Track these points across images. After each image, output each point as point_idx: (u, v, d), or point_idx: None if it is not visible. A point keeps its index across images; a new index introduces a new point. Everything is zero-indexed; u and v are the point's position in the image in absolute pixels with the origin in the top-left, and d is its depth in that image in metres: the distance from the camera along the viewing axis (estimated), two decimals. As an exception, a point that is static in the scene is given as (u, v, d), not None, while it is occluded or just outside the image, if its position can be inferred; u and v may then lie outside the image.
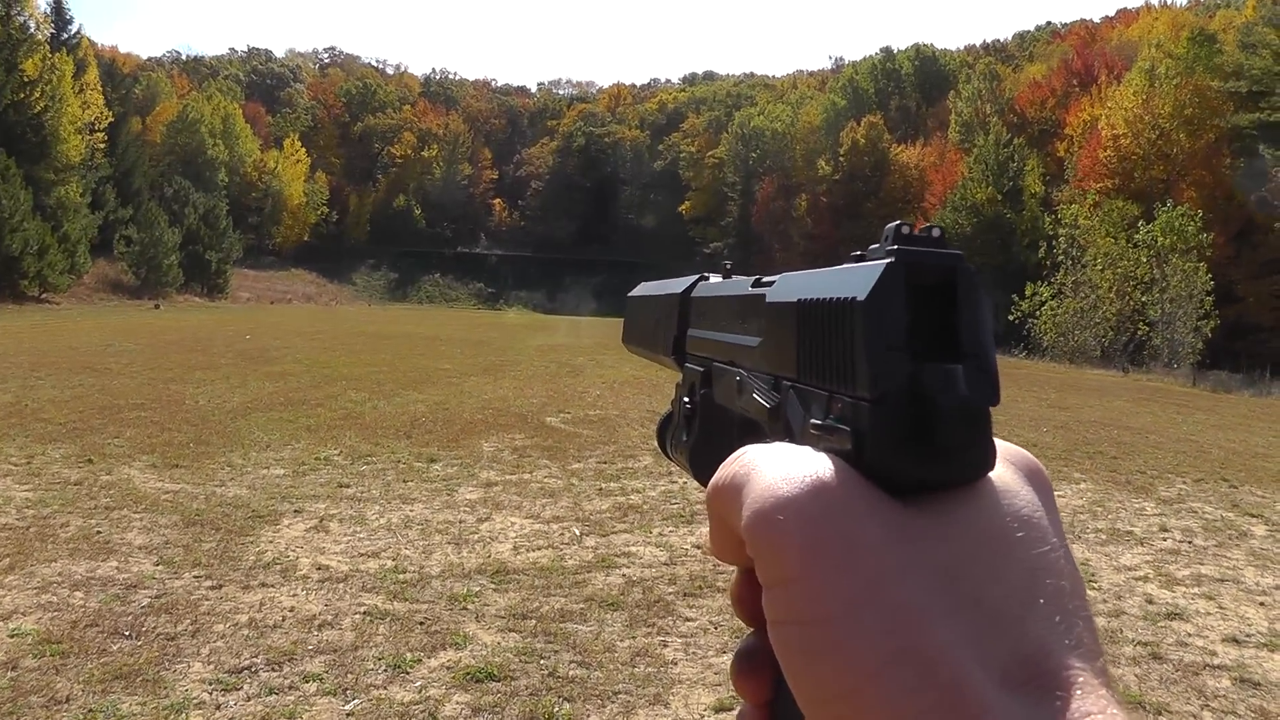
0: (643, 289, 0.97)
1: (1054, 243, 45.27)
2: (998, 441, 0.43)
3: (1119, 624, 6.45)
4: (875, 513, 0.40)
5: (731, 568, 0.50)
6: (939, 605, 0.39)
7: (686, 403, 0.75)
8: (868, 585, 0.38)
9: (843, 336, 0.43)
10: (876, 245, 0.46)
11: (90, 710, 4.48)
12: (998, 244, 55.75)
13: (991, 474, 0.43)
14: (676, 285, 0.82)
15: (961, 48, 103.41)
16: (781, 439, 0.49)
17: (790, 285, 0.52)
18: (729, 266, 0.78)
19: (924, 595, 0.39)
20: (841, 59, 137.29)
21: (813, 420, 0.46)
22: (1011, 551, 0.41)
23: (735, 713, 0.50)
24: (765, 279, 0.60)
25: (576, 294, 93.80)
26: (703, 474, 0.69)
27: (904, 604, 0.38)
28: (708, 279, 0.78)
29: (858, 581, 0.39)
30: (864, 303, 0.42)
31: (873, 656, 0.37)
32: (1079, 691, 0.38)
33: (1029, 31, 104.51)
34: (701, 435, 0.72)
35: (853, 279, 0.44)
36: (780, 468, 0.43)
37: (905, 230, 0.45)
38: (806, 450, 0.44)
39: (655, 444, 0.84)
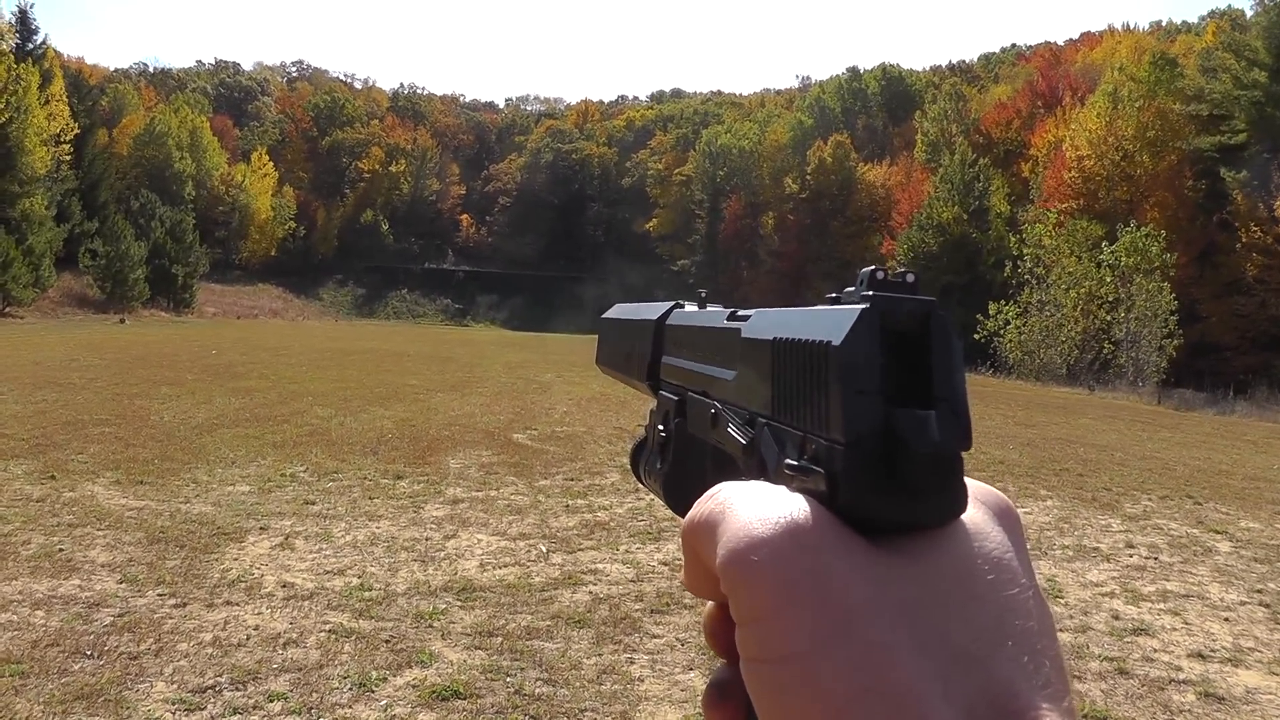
0: (617, 311, 0.97)
1: (1019, 262, 45.73)
2: (968, 480, 0.44)
3: (1085, 640, 6.49)
4: (847, 553, 0.41)
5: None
6: (908, 644, 0.39)
7: (661, 430, 0.75)
8: (838, 623, 0.39)
9: (817, 379, 0.44)
10: (852, 289, 0.46)
11: (50, 730, 4.43)
12: (963, 263, 56.20)
13: (963, 515, 0.43)
14: (651, 311, 0.82)
15: (928, 68, 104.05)
16: (755, 475, 0.49)
17: (766, 322, 0.53)
18: (704, 295, 0.78)
19: (893, 634, 0.39)
20: (809, 78, 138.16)
21: (787, 460, 0.46)
22: (981, 592, 0.42)
23: None
24: (741, 312, 0.61)
25: (544, 310, 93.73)
26: (676, 503, 0.69)
27: (873, 642, 0.39)
28: (683, 307, 0.78)
29: (828, 619, 0.39)
30: (839, 347, 0.42)
31: (841, 693, 0.38)
32: None
33: (994, 53, 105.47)
34: (675, 465, 0.72)
35: (828, 321, 0.44)
36: (755, 507, 0.43)
37: (880, 275, 0.45)
38: (781, 490, 0.44)
39: (623, 461, 0.84)
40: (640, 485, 0.82)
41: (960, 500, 0.43)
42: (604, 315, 1.01)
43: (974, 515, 0.45)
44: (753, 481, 0.47)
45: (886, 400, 0.42)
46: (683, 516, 0.65)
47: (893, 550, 0.42)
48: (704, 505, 0.46)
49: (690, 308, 0.77)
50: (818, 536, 0.41)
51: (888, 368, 0.42)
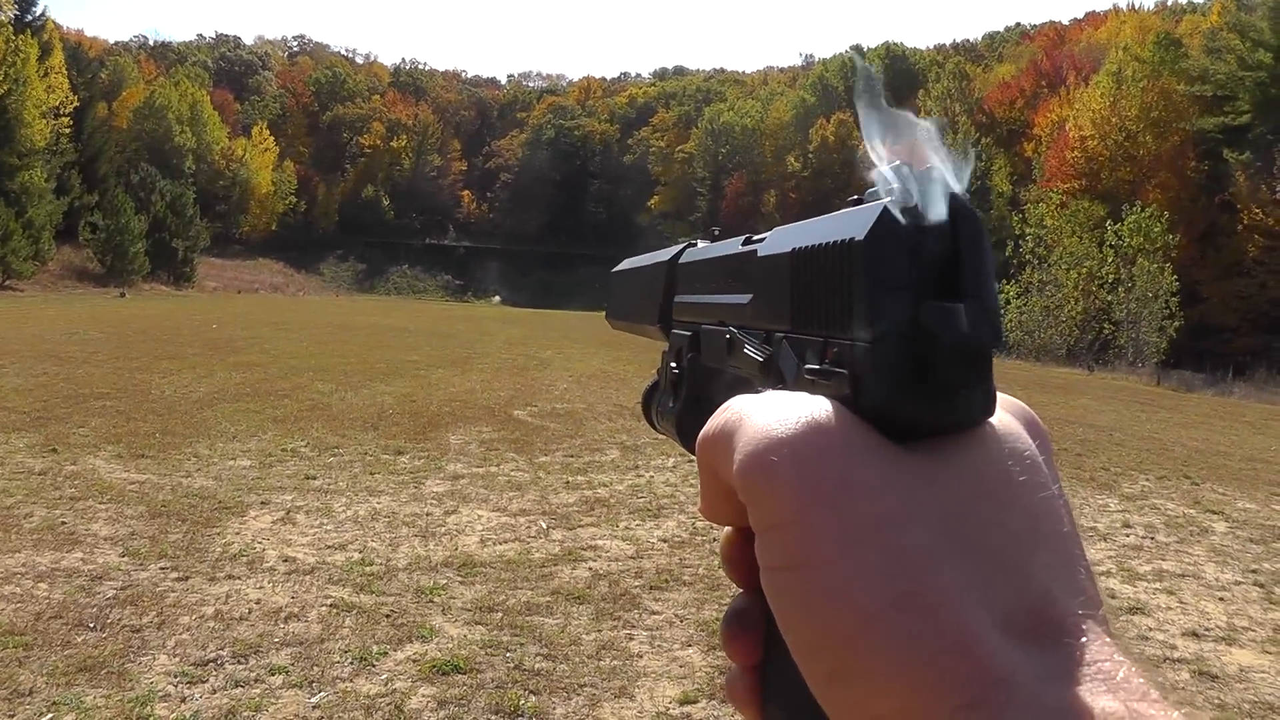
0: (628, 263, 0.95)
1: (1021, 242, 45.64)
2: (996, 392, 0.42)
3: (1080, 620, 6.52)
4: (874, 454, 0.39)
5: (717, 532, 0.48)
6: (941, 549, 0.37)
7: (674, 367, 0.73)
8: (867, 527, 0.37)
9: (840, 279, 0.42)
10: (874, 189, 0.44)
11: (54, 703, 4.46)
12: (965, 242, 56.04)
13: (992, 419, 0.42)
14: (664, 254, 0.81)
15: (931, 47, 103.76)
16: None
17: (784, 237, 0.51)
18: (717, 231, 0.75)
19: (926, 538, 0.37)
20: (812, 56, 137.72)
21: (807, 366, 0.44)
22: (1014, 495, 0.40)
23: (725, 679, 0.50)
24: (756, 236, 0.60)
25: (546, 287, 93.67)
26: (690, 440, 0.65)
27: (905, 547, 0.37)
28: (695, 245, 0.76)
29: (857, 523, 0.37)
30: (863, 242, 0.41)
31: (873, 600, 0.36)
32: (1084, 639, 0.37)
33: (998, 32, 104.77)
34: (689, 400, 0.70)
35: (850, 221, 0.43)
36: (774, 411, 0.41)
37: (906, 170, 0.43)
38: (801, 394, 0.42)
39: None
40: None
41: (990, 400, 0.41)
42: (615, 269, 0.99)
43: (1003, 418, 0.43)
44: (770, 390, 0.45)
45: (913, 295, 0.40)
46: None
47: (921, 452, 0.40)
48: (719, 417, 0.44)
49: (703, 245, 0.74)
50: (841, 435, 0.39)
51: (915, 263, 0.40)
